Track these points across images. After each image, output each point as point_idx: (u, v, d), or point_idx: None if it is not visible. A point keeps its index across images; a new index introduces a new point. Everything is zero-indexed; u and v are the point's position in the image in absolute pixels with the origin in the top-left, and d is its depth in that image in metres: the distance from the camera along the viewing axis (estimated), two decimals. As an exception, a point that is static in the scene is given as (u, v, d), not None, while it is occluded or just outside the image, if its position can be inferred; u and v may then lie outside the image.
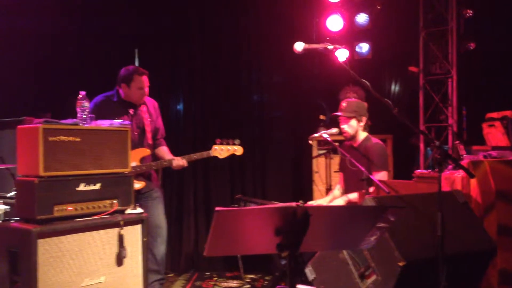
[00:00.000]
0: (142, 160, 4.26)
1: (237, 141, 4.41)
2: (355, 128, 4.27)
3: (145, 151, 4.30)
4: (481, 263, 3.16)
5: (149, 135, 4.36)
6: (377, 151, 4.21)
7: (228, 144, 4.38)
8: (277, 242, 1.94)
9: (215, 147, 4.37)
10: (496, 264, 3.28)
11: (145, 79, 4.30)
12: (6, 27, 5.21)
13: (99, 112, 3.97)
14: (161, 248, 4.34)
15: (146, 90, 4.32)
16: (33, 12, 5.34)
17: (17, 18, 5.28)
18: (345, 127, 4.28)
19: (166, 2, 5.87)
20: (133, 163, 4.15)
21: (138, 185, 4.19)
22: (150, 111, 4.43)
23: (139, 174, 4.18)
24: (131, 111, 4.32)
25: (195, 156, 4.34)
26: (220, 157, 4.41)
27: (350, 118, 4.25)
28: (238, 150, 4.42)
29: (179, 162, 4.30)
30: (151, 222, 4.30)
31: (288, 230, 1.91)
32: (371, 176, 3.74)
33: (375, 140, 4.33)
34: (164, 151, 4.51)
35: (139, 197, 4.20)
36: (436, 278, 2.64)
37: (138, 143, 4.28)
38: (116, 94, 4.33)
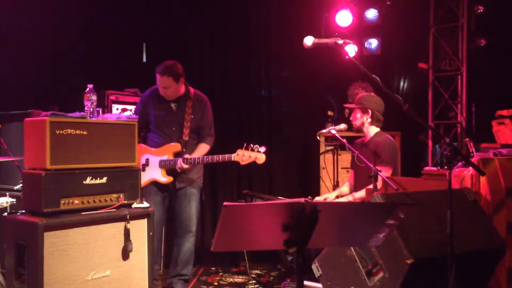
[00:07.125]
0: (175, 155, 4.21)
1: (262, 149, 4.03)
2: (359, 119, 4.30)
3: (177, 147, 4.23)
4: (490, 261, 3.13)
5: (186, 131, 4.27)
6: (385, 146, 4.18)
7: (252, 150, 4.02)
8: (284, 238, 1.91)
9: (239, 151, 4.04)
10: (505, 262, 3.25)
11: (161, 80, 4.19)
12: (17, 22, 5.21)
13: (143, 104, 4.35)
14: (187, 244, 4.39)
15: (161, 89, 4.22)
16: (43, 7, 5.34)
17: (28, 13, 5.28)
18: (352, 118, 4.36)
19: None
20: (165, 156, 4.17)
21: (164, 179, 4.18)
22: (195, 108, 4.33)
23: (173, 170, 4.18)
24: (173, 106, 4.31)
25: (217, 158, 4.09)
26: (242, 163, 4.05)
27: (355, 109, 4.32)
28: (260, 158, 4.04)
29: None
30: (180, 217, 4.38)
31: (296, 226, 1.89)
32: (379, 173, 3.71)
33: (386, 135, 4.30)
34: (195, 148, 4.33)
35: (174, 192, 4.32)
36: (444, 276, 2.61)
37: (175, 138, 4.26)
38: None
